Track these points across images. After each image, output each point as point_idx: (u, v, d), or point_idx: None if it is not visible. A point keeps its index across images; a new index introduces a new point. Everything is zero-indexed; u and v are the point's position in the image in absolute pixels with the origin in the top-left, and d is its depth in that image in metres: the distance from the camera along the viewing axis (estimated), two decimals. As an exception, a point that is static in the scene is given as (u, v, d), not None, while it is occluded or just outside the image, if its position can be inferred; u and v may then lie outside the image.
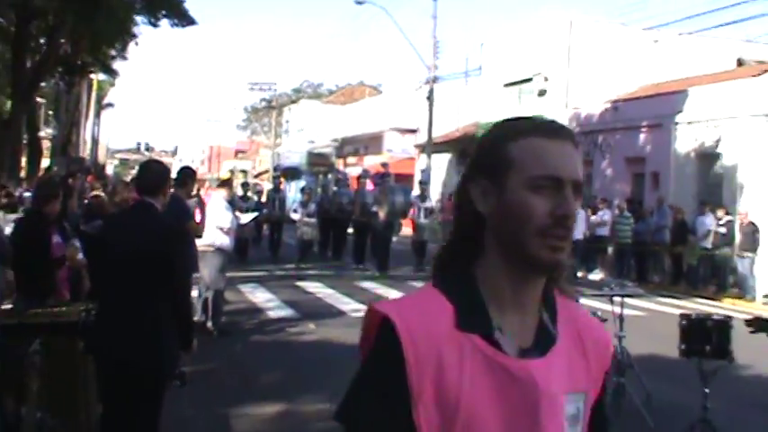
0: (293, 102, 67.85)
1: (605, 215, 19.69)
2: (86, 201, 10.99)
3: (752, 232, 17.27)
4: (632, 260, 19.52)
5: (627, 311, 7.04)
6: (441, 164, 35.78)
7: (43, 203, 6.22)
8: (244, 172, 63.90)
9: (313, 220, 18.52)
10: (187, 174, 8.48)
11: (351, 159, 46.45)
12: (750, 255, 17.22)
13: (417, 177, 31.19)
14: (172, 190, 11.74)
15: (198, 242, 8.81)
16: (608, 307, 7.17)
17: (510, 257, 1.46)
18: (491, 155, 1.49)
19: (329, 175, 29.59)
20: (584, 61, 27.93)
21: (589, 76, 27.74)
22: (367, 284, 15.63)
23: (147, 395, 4.15)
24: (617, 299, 6.99)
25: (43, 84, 32.07)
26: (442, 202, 29.46)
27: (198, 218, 8.72)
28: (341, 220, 19.75)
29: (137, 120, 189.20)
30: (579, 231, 18.31)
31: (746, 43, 28.28)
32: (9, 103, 27.23)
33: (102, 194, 11.08)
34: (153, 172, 4.66)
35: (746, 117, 19.94)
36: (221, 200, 10.14)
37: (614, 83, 27.77)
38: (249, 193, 19.75)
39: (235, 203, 14.80)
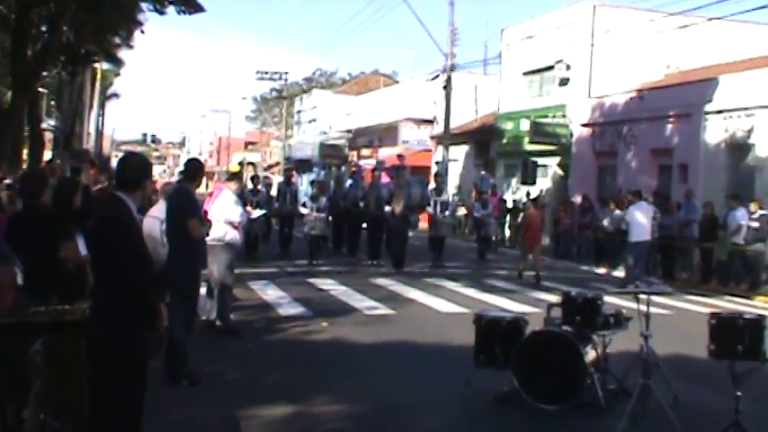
0: (305, 92, 68.01)
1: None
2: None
3: (786, 227, 17.13)
4: (658, 256, 19.41)
5: (653, 310, 7.00)
6: (458, 155, 35.76)
7: (34, 196, 6.21)
8: (253, 164, 64.07)
9: (322, 215, 18.41)
10: (195, 166, 8.46)
11: (365, 151, 46.51)
12: (784, 250, 17.08)
13: (434, 170, 31.17)
14: (176, 181, 11.79)
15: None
16: (633, 305, 7.10)
17: None
18: None
19: (343, 168, 29.55)
20: (607, 48, 27.79)
21: (613, 64, 27.62)
22: (382, 281, 15.59)
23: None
24: (643, 297, 6.94)
25: (45, 73, 32.14)
26: (462, 196, 29.43)
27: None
28: (355, 215, 19.71)
29: (143, 110, 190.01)
30: (647, 232, 17.15)
31: (781, 28, 28.02)
32: (9, 94, 27.30)
33: (107, 187, 11.09)
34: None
35: (781, 106, 19.78)
36: (230, 194, 10.12)
37: (640, 71, 27.64)
38: (259, 187, 19.68)
39: (244, 197, 14.81)
